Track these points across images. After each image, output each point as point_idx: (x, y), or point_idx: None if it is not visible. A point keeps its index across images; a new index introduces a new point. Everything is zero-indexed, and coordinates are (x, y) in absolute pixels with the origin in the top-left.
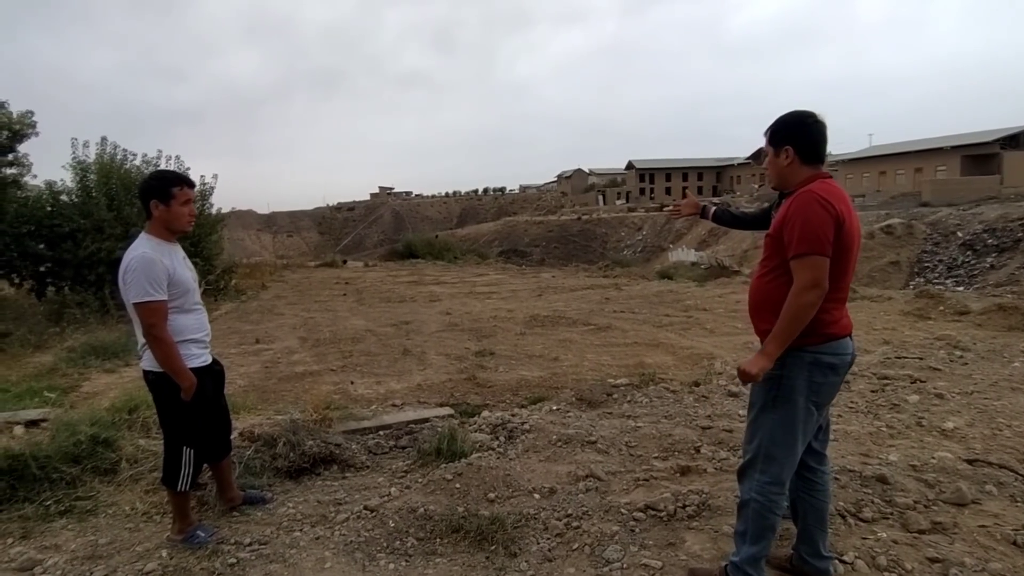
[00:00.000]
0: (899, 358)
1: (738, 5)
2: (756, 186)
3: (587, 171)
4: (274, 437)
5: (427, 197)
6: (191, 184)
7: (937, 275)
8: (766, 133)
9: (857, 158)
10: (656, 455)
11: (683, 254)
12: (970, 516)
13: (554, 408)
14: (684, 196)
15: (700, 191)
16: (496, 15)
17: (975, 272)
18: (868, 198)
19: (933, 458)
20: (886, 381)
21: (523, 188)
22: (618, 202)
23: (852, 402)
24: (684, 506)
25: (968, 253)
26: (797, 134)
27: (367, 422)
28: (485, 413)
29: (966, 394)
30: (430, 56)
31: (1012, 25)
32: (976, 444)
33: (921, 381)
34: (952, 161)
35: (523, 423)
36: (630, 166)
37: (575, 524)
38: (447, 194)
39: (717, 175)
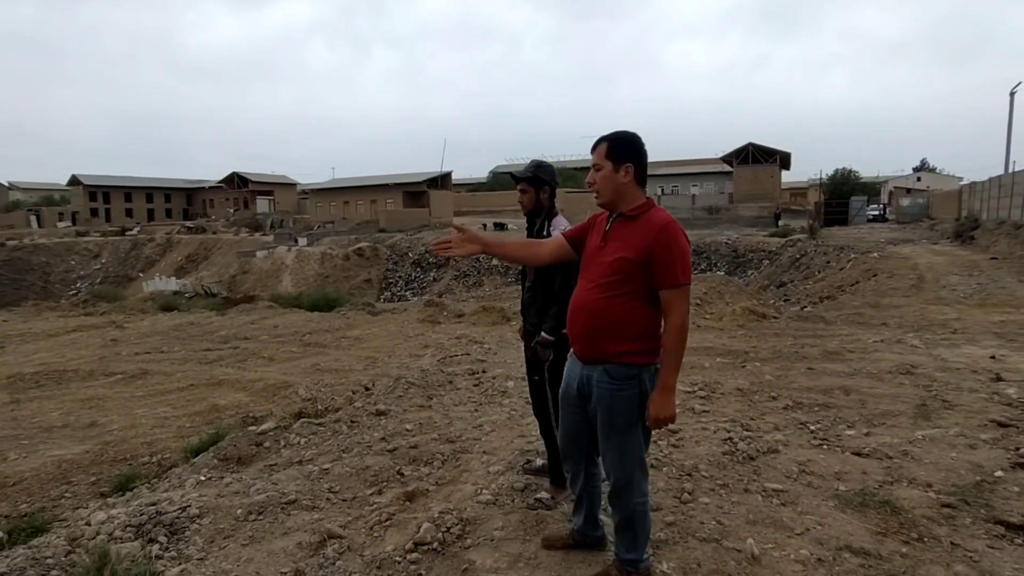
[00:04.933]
0: (451, 357)
1: (191, 25)
2: (232, 211)
3: (7, 184)
4: None
5: None
6: None
7: (399, 288)
8: (602, 148)
9: (325, 188)
10: (370, 491)
11: (162, 283)
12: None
13: (202, 479)
14: (150, 219)
15: (169, 214)
16: None
17: (424, 284)
18: (338, 224)
19: None
20: (474, 376)
21: None
22: (61, 224)
23: (470, 399)
24: (448, 529)
25: (417, 269)
26: (639, 153)
27: None
28: (99, 515)
29: None
30: None
31: (417, 90)
32: None
33: (484, 372)
34: (397, 195)
35: (183, 508)
36: (76, 182)
37: None
38: None
39: (188, 198)
